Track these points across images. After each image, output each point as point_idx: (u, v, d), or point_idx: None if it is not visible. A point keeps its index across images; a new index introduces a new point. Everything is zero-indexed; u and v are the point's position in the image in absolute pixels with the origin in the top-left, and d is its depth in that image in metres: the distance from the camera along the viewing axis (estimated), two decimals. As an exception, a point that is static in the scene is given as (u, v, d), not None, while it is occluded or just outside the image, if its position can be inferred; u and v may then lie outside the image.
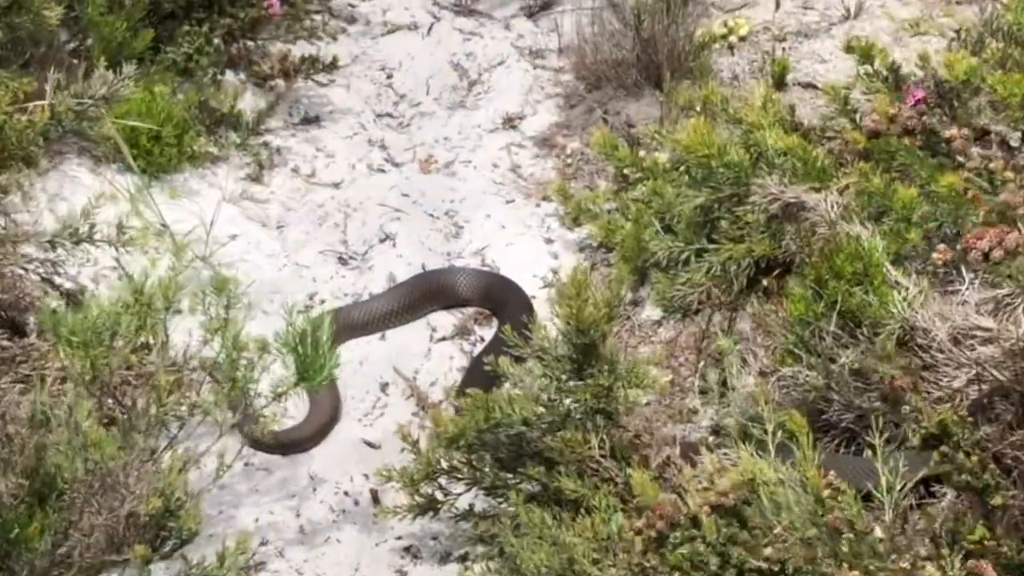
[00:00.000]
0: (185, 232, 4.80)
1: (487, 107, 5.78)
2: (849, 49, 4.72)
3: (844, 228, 4.17)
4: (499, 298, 4.76)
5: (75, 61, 5.15)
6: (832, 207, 4.28)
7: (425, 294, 4.74)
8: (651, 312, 4.73)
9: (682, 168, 4.85)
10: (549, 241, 5.11)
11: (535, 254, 5.04)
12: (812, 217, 4.31)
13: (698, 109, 5.05)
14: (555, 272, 4.96)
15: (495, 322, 4.77)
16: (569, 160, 5.46)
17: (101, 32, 5.00)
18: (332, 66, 5.55)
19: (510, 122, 5.69)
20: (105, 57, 5.03)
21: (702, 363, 4.38)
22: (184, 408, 3.53)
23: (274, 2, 5.28)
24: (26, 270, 4.08)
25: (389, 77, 5.91)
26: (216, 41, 5.25)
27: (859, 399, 3.88)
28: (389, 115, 5.73)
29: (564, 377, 3.70)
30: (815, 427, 3.82)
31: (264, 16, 5.35)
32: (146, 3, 5.17)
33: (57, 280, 4.30)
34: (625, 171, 5.02)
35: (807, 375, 3.95)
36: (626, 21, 5.65)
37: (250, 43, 5.58)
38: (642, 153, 5.18)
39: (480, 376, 4.00)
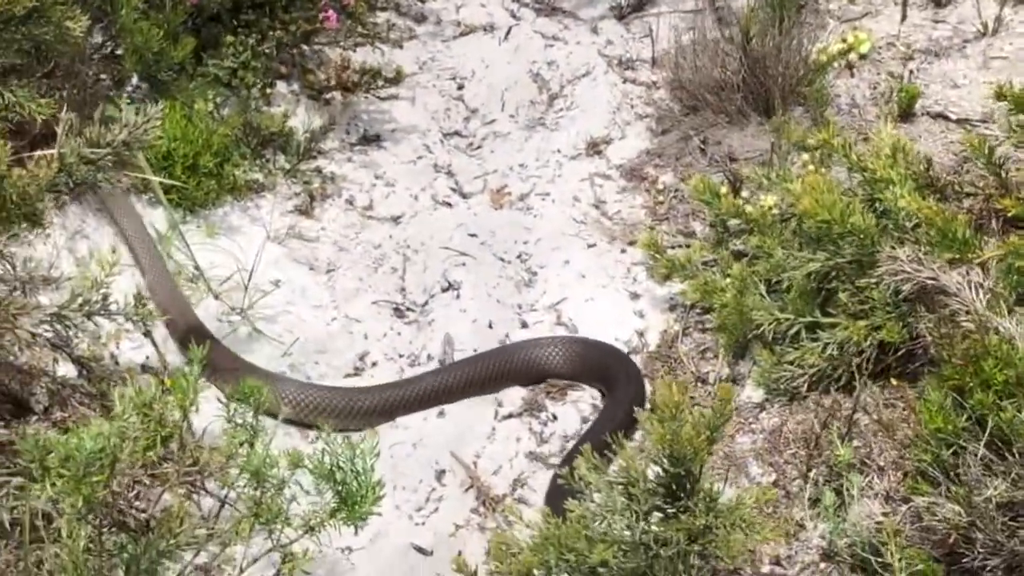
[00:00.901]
0: (222, 279, 4.21)
1: (569, 127, 5.12)
2: (1000, 96, 4.01)
3: (992, 321, 3.50)
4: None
5: (103, 77, 4.57)
6: (976, 292, 3.60)
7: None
8: (752, 393, 4.08)
9: (794, 221, 4.20)
10: (635, 296, 4.46)
11: (618, 312, 4.40)
12: (952, 304, 3.63)
13: (813, 154, 4.38)
14: (641, 335, 4.32)
15: (571, 397, 4.14)
16: (660, 197, 4.80)
17: (135, 40, 4.39)
18: (396, 80, 4.91)
19: (595, 147, 5.03)
20: (139, 68, 4.48)
21: (813, 471, 3.73)
22: (200, 534, 2.95)
23: (331, 14, 4.64)
24: (33, 336, 3.50)
25: (460, 88, 5.27)
26: (266, 51, 4.61)
27: (1009, 541, 3.23)
28: (458, 134, 5.09)
29: (652, 510, 3.07)
30: (953, 572, 3.19)
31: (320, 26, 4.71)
32: (188, 7, 4.55)
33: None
34: (726, 222, 4.35)
35: (945, 507, 3.30)
36: (731, 36, 4.96)
37: (305, 48, 4.95)
38: (745, 193, 4.52)
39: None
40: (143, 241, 4.15)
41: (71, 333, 3.43)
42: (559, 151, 5.02)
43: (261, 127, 4.53)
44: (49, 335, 3.62)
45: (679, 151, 4.94)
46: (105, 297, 3.42)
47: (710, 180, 4.35)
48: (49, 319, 3.36)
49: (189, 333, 3.95)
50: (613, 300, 4.44)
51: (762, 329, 4.02)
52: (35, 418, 3.53)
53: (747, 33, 4.83)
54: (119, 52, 4.54)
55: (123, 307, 3.46)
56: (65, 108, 3.48)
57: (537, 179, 4.91)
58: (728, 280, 4.19)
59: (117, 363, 3.89)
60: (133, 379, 3.74)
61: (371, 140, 4.93)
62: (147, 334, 3.82)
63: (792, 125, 4.63)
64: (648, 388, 4.07)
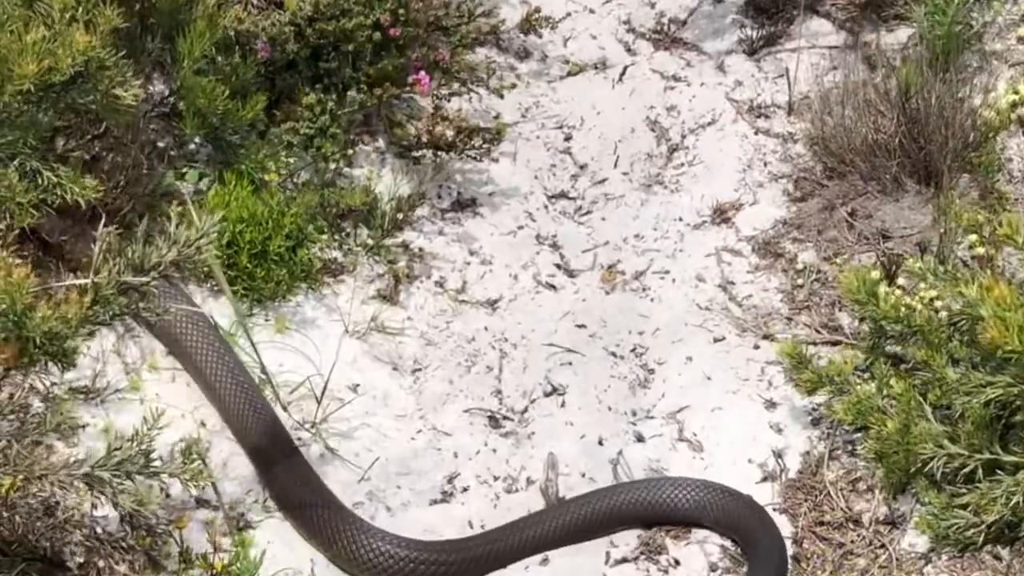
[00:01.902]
0: (293, 385, 3.63)
1: (692, 188, 4.46)
2: None
3: None
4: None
5: (160, 145, 4.00)
6: None
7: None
8: (914, 539, 3.43)
9: (965, 325, 3.52)
10: (771, 405, 3.80)
11: (752, 425, 3.75)
12: None
13: (982, 237, 3.69)
14: (779, 456, 3.67)
15: (695, 536, 3.51)
16: (800, 280, 4.12)
17: (196, 100, 3.81)
18: (496, 139, 4.28)
19: (722, 214, 4.37)
20: (201, 131, 3.90)
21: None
22: None
23: (423, 77, 4.01)
24: (64, 486, 2.94)
25: (567, 139, 4.62)
26: (346, 114, 3.99)
27: None
28: (565, 195, 4.45)
29: None
30: None
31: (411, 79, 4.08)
32: (258, 60, 3.96)
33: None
34: (884, 327, 3.68)
35: None
36: (885, 89, 4.25)
37: (395, 92, 4.30)
38: (902, 280, 3.84)
39: None
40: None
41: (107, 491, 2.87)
42: (680, 219, 4.37)
43: (340, 203, 3.92)
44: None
45: (822, 223, 4.26)
46: (147, 455, 2.85)
47: (865, 274, 3.66)
48: (80, 478, 2.80)
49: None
50: (745, 410, 3.80)
51: (930, 466, 3.37)
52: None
53: (906, 89, 4.13)
54: (179, 109, 3.98)
55: (167, 462, 2.89)
56: (103, 221, 2.90)
57: (655, 253, 4.27)
58: (887, 399, 3.53)
59: (168, 495, 3.33)
60: (184, 524, 3.18)
61: (466, 205, 4.31)
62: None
63: (958, 201, 3.95)
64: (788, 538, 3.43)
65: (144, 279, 2.79)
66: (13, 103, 3.41)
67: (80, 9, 3.44)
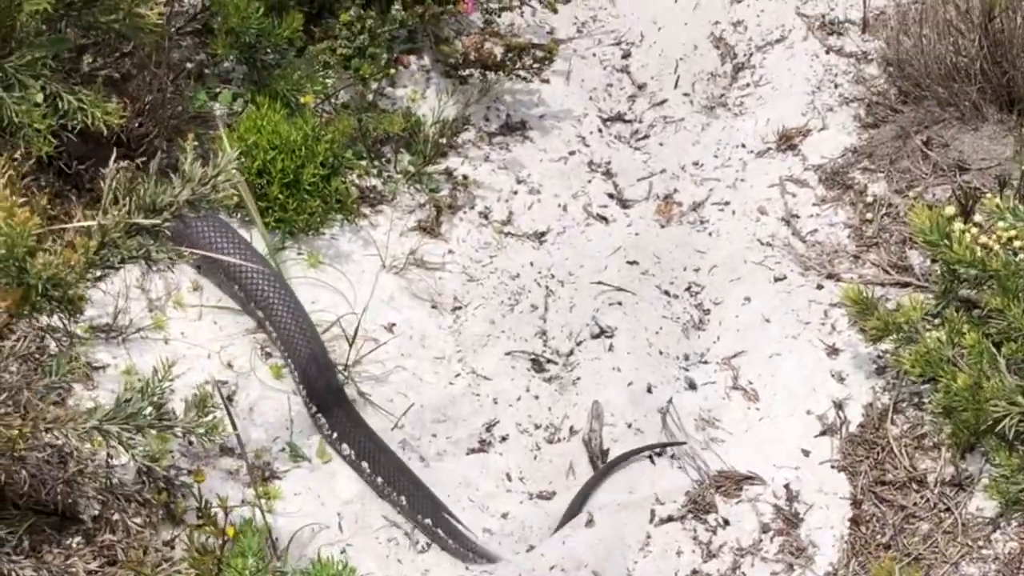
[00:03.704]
0: (325, 324, 3.44)
1: (756, 112, 4.19)
2: None
3: None
4: None
5: (189, 66, 3.78)
6: None
7: None
8: (982, 503, 3.20)
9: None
10: (833, 351, 3.57)
11: (812, 373, 3.52)
12: None
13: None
14: (839, 408, 3.44)
15: (747, 494, 3.31)
16: (869, 214, 3.85)
17: (230, 19, 3.59)
18: (547, 58, 4.01)
19: (788, 141, 4.09)
20: (234, 51, 3.69)
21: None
22: None
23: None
24: (80, 437, 2.78)
25: (625, 57, 4.35)
26: (388, 34, 3.75)
27: None
28: (621, 118, 4.20)
29: None
30: None
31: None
32: (294, -31, 3.73)
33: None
34: (957, 270, 3.41)
35: None
36: (967, 8, 3.93)
37: (438, 11, 4.04)
38: (978, 217, 3.56)
39: None
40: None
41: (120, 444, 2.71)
42: (743, 145, 4.10)
43: (379, 129, 3.69)
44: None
45: (895, 152, 3.97)
46: (160, 407, 2.68)
47: (938, 213, 3.38)
48: (88, 431, 2.64)
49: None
50: (805, 356, 3.56)
51: (1002, 425, 3.13)
52: (78, 538, 2.85)
53: (990, 9, 3.81)
54: (211, 26, 3.76)
55: (180, 416, 2.72)
56: (116, 156, 2.69)
57: (715, 183, 4.01)
58: (958, 350, 3.28)
59: (190, 443, 3.17)
60: (202, 479, 3.03)
61: (514, 128, 4.07)
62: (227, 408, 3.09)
63: (1043, 132, 3.65)
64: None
65: (155, 221, 2.60)
66: (31, 22, 3.23)
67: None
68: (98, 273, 2.60)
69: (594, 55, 4.33)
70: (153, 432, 2.68)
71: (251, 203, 3.44)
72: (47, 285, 2.54)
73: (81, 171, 3.38)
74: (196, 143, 2.76)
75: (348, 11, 3.74)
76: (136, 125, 3.44)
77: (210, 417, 2.73)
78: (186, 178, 2.64)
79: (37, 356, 3.03)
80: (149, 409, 2.67)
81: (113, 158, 2.64)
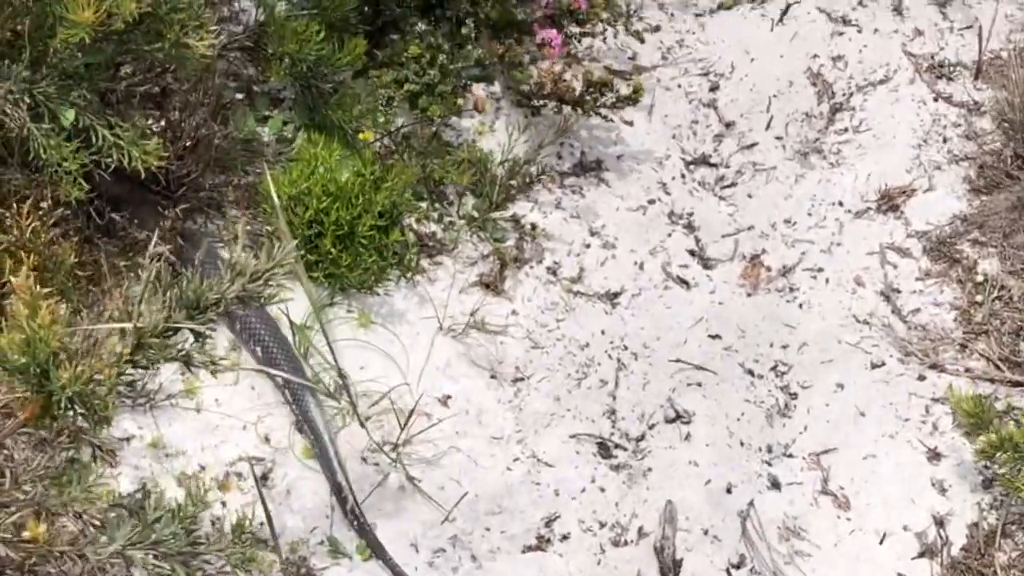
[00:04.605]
0: (374, 395, 3.09)
1: (855, 162, 3.80)
2: None
3: None
4: None
5: (234, 84, 3.42)
6: None
7: None
8: (1099, 656, 2.87)
9: None
10: (935, 456, 3.21)
11: (910, 481, 3.17)
12: None
13: None
14: (940, 526, 3.09)
15: None
16: (978, 295, 3.48)
17: (286, 45, 3.21)
18: (632, 97, 3.62)
19: (890, 201, 3.71)
20: (289, 78, 3.32)
21: None
22: None
23: (553, 36, 3.35)
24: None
25: (713, 89, 3.96)
26: (459, 69, 3.37)
27: None
28: (706, 161, 3.81)
29: None
30: None
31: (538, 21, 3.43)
32: (359, -8, 3.34)
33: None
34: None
35: None
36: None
37: (519, 51, 3.63)
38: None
39: None
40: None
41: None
42: (840, 203, 3.72)
43: (446, 177, 3.32)
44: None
45: (1009, 225, 3.59)
46: (191, 532, 2.34)
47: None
48: (107, 558, 2.30)
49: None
50: (904, 459, 3.21)
51: None
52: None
53: None
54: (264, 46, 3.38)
55: (212, 539, 2.38)
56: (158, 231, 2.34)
57: (808, 245, 3.64)
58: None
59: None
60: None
61: (589, 168, 3.69)
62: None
63: None
64: None
65: (197, 325, 2.24)
66: (65, 49, 2.86)
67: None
68: (130, 379, 2.26)
69: (679, 86, 3.94)
70: (181, 563, 2.33)
71: (296, 256, 3.07)
72: (71, 399, 2.20)
73: (114, 219, 3.01)
74: (247, 214, 2.41)
75: (416, 39, 3.36)
76: (176, 165, 3.07)
77: (247, 545, 2.39)
78: (236, 271, 2.28)
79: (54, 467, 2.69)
80: (179, 533, 2.33)
81: (152, 244, 2.30)
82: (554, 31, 3.37)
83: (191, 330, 2.29)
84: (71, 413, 2.21)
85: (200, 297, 2.29)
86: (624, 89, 3.61)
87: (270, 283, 2.31)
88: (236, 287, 2.31)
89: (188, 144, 3.10)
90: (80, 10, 2.70)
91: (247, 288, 2.31)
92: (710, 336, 3.41)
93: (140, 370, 2.32)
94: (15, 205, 2.77)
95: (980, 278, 3.51)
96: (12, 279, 2.13)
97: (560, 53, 3.43)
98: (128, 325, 2.22)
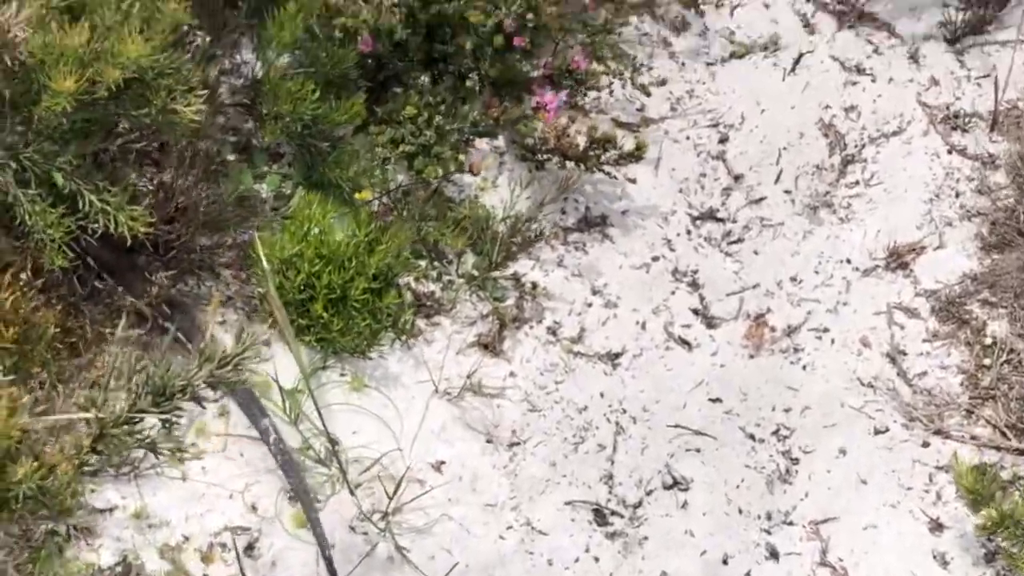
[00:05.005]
0: (365, 461, 3.06)
1: (866, 218, 3.73)
2: None
3: None
4: None
5: (237, 152, 3.39)
6: None
7: None
8: None
9: None
10: (937, 527, 3.15)
11: (911, 552, 3.10)
12: None
13: None
14: (940, 601, 3.03)
15: None
16: (987, 360, 3.41)
17: (280, 104, 3.18)
18: (636, 154, 3.57)
19: (899, 258, 3.64)
20: (283, 136, 3.29)
21: None
22: None
23: (548, 99, 3.30)
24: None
25: (722, 141, 3.90)
26: (456, 130, 3.33)
27: None
28: (712, 216, 3.75)
29: None
30: None
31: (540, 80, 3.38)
32: (355, 54, 3.30)
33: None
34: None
35: None
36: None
37: (517, 115, 3.58)
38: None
39: None
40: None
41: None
42: (848, 260, 3.65)
43: (442, 241, 3.28)
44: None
45: (1020, 284, 3.52)
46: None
47: (1073, 390, 2.95)
48: None
49: None
50: (905, 530, 3.14)
51: None
52: None
53: None
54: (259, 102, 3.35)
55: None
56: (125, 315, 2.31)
57: (814, 304, 3.57)
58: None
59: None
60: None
61: (594, 224, 3.64)
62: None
63: None
64: None
65: (163, 413, 2.21)
66: (50, 115, 2.84)
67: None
68: (93, 470, 2.23)
69: (688, 138, 3.88)
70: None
71: (284, 322, 3.03)
72: (29, 494, 2.17)
73: (98, 287, 2.99)
74: (239, 276, 2.37)
75: (416, 97, 3.32)
76: (166, 229, 3.04)
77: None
78: (204, 356, 2.25)
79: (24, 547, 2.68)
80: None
81: (121, 326, 2.27)
82: (550, 94, 3.32)
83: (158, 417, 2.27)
84: (30, 505, 2.19)
85: (167, 384, 2.26)
86: (628, 144, 3.55)
87: (239, 368, 2.29)
88: (204, 372, 2.28)
89: (179, 205, 3.07)
90: (62, 79, 2.68)
91: (215, 374, 2.28)
92: (711, 400, 3.36)
93: (102, 464, 2.30)
94: (-2, 274, 2.75)
95: (989, 340, 3.44)
96: (-26, 367, 2.11)
97: (555, 117, 3.37)
98: (90, 415, 2.19)
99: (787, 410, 3.38)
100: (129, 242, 2.89)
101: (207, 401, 2.26)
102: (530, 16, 3.21)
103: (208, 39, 3.29)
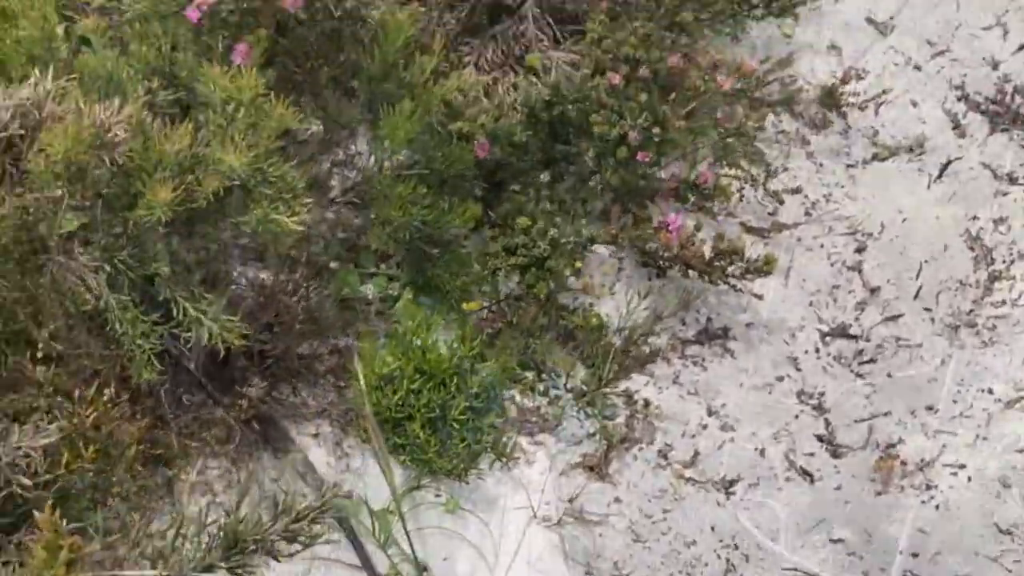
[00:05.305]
0: (453, 589, 2.91)
1: (1011, 343, 3.47)
2: None
3: None
4: None
5: (344, 251, 3.27)
6: None
7: None
8: None
9: None
10: None
11: None
12: None
13: None
14: None
15: None
16: None
17: (388, 211, 3.04)
18: (765, 269, 3.37)
19: (1045, 391, 3.38)
20: (391, 243, 3.16)
21: None
22: None
23: (674, 223, 3.12)
24: None
25: (859, 251, 3.67)
26: (571, 243, 3.16)
27: None
28: (844, 332, 3.52)
29: None
30: None
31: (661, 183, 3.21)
32: (470, 156, 3.16)
33: None
34: None
35: None
36: None
37: (636, 234, 3.38)
38: None
39: None
40: None
41: None
42: (990, 390, 3.39)
43: (550, 360, 3.12)
44: None
45: None
46: None
47: None
48: None
49: None
50: None
51: None
52: None
53: None
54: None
55: None
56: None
57: (950, 437, 3.32)
58: None
59: None
60: None
61: (715, 336, 3.44)
62: None
63: None
64: None
65: (234, 569, 2.08)
66: (144, 223, 2.74)
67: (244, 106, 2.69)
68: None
69: (822, 246, 3.66)
70: None
71: (379, 443, 2.89)
72: None
73: (188, 399, 2.88)
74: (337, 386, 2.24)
75: (529, 205, 3.16)
76: (262, 338, 2.93)
77: None
78: (280, 508, 2.12)
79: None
80: None
81: (195, 471, 2.14)
82: (673, 215, 3.14)
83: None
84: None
85: (239, 538, 2.12)
86: (756, 255, 3.35)
87: (315, 521, 2.15)
88: (279, 526, 2.15)
89: (279, 311, 2.95)
90: (158, 188, 2.59)
91: (291, 528, 2.14)
92: (832, 540, 3.12)
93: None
94: (82, 385, 2.65)
95: None
96: (36, 513, 2.01)
97: (678, 239, 3.18)
98: (153, 573, 2.06)
99: (915, 555, 3.13)
100: (223, 353, 2.80)
101: (282, 556, 2.12)
102: (656, 130, 3.03)
103: (323, 127, 3.19)
